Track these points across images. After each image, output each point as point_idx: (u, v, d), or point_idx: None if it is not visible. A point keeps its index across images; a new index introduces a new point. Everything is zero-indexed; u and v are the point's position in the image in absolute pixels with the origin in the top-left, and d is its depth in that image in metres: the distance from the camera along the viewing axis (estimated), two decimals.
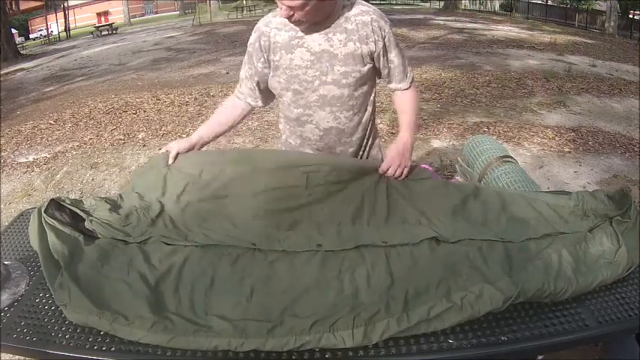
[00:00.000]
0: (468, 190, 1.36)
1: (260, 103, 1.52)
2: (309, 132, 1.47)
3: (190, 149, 1.43)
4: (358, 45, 1.33)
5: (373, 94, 1.48)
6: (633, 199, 1.25)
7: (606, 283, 1.07)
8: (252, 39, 1.40)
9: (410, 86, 1.47)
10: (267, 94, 1.50)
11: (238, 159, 1.41)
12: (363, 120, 1.48)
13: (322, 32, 1.32)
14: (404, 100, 1.48)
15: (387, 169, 1.35)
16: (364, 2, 1.37)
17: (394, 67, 1.41)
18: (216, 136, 1.51)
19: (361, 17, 1.33)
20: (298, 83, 1.38)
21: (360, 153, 1.55)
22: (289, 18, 1.25)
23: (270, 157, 1.45)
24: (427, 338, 0.94)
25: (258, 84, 1.45)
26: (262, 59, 1.39)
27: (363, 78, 1.38)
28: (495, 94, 5.98)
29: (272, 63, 1.39)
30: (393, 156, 1.36)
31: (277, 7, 1.29)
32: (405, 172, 1.36)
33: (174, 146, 1.41)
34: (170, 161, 1.38)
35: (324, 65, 1.35)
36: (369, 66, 1.37)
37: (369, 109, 1.48)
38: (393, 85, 1.46)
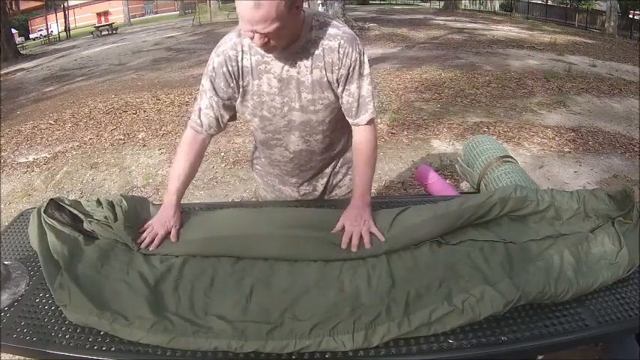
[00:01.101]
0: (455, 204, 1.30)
1: (221, 129, 1.36)
2: (278, 154, 1.42)
3: (177, 220, 1.28)
4: (324, 72, 1.24)
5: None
6: (635, 200, 1.25)
7: (607, 284, 1.07)
8: (215, 63, 1.25)
9: (366, 123, 1.31)
10: (227, 120, 1.35)
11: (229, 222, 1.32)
12: (336, 139, 1.43)
13: (289, 57, 1.22)
14: (357, 150, 1.34)
15: (347, 242, 1.20)
16: (335, 22, 1.25)
17: (352, 100, 1.28)
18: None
19: (328, 42, 1.21)
20: (267, 110, 1.30)
21: (338, 165, 1.53)
22: (264, 45, 1.11)
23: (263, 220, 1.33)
24: (427, 338, 0.94)
25: (220, 113, 1.31)
26: (231, 85, 1.26)
27: (331, 104, 1.30)
28: (495, 94, 5.98)
29: (240, 88, 1.28)
30: (347, 226, 1.23)
31: (235, 27, 1.21)
32: (365, 238, 1.20)
33: (159, 228, 1.25)
34: (152, 248, 1.21)
35: (291, 92, 1.27)
36: (337, 92, 1.28)
37: (341, 126, 1.40)
38: (350, 121, 1.32)
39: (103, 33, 20.13)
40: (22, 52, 16.58)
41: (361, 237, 1.20)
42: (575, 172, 3.69)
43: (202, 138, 1.33)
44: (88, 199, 1.35)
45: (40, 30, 27.01)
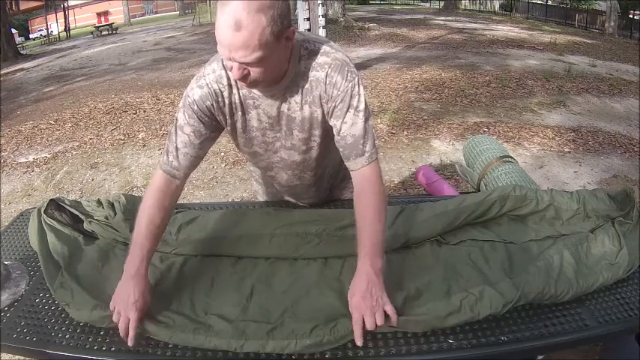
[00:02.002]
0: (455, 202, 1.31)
1: (192, 170, 1.14)
2: (271, 184, 1.40)
3: (146, 298, 0.98)
4: (314, 108, 1.09)
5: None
6: (635, 200, 1.25)
7: (607, 284, 1.07)
8: (195, 95, 1.07)
9: (362, 168, 1.07)
10: (201, 161, 1.16)
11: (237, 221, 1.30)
12: (330, 164, 1.34)
13: (279, 92, 1.07)
14: (358, 205, 1.05)
15: (361, 326, 0.91)
16: (327, 48, 1.07)
17: (339, 139, 1.07)
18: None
19: (315, 73, 1.05)
20: (257, 145, 1.20)
21: (336, 175, 1.46)
22: (243, 79, 0.96)
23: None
24: (427, 338, 0.95)
25: (201, 149, 1.11)
26: (213, 123, 1.11)
27: (324, 143, 1.17)
28: (495, 94, 5.98)
29: (227, 126, 1.15)
30: (358, 304, 0.93)
31: (217, 56, 1.06)
32: (379, 318, 0.91)
33: (129, 311, 0.93)
34: (130, 342, 0.92)
35: (283, 129, 1.15)
36: (329, 129, 1.12)
37: (333, 155, 1.22)
38: (346, 163, 1.10)
39: (103, 33, 20.13)
40: (22, 52, 16.58)
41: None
42: (575, 172, 3.69)
43: (177, 184, 1.10)
44: (88, 200, 1.36)
45: (40, 30, 27.03)
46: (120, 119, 5.60)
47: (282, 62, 1.01)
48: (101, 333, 0.97)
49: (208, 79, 1.08)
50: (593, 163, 3.87)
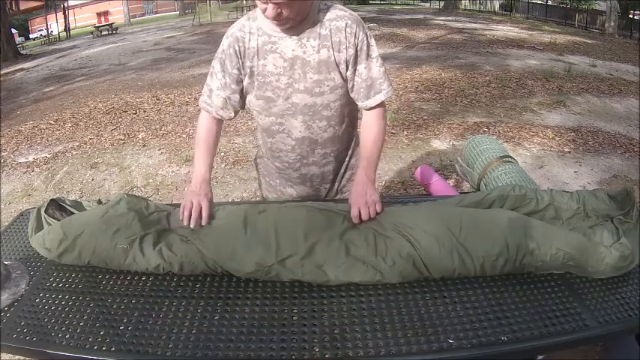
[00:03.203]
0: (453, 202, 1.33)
1: (232, 115, 1.38)
2: (281, 141, 1.40)
3: (209, 193, 1.27)
4: (331, 52, 1.25)
5: (353, 105, 1.39)
6: (635, 200, 1.25)
7: (606, 272, 1.08)
8: (224, 45, 1.29)
9: (375, 106, 1.32)
10: (238, 104, 1.37)
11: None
12: (340, 132, 1.40)
13: (296, 37, 1.24)
14: (365, 129, 1.35)
15: (358, 215, 1.18)
16: (341, 6, 1.29)
17: (361, 81, 1.29)
18: None
19: (336, 22, 1.24)
20: (271, 90, 1.30)
21: (342, 170, 1.51)
22: (277, 17, 1.15)
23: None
24: (427, 338, 0.95)
25: (231, 94, 1.33)
26: (237, 66, 1.29)
27: (337, 87, 1.30)
28: (495, 94, 5.98)
29: (246, 69, 1.30)
30: (356, 200, 1.20)
31: (248, 10, 1.23)
32: (378, 207, 1.20)
33: (204, 201, 1.21)
34: (205, 221, 1.19)
35: (296, 72, 1.27)
36: (344, 75, 1.29)
37: (347, 120, 1.40)
38: (360, 104, 1.33)
39: (103, 33, 20.14)
40: (22, 52, 16.59)
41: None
42: (575, 172, 3.69)
43: (215, 120, 1.38)
44: (88, 200, 1.36)
45: (40, 30, 27.05)
46: (120, 119, 5.61)
47: (307, 5, 1.20)
48: (101, 333, 0.97)
49: (233, 30, 1.29)
50: (593, 163, 3.87)
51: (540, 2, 21.14)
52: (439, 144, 4.28)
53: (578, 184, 3.44)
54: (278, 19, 1.15)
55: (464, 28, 13.36)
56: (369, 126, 1.34)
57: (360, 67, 1.27)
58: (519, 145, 4.21)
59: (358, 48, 1.25)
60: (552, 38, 11.37)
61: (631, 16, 16.42)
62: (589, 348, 1.51)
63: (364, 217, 1.17)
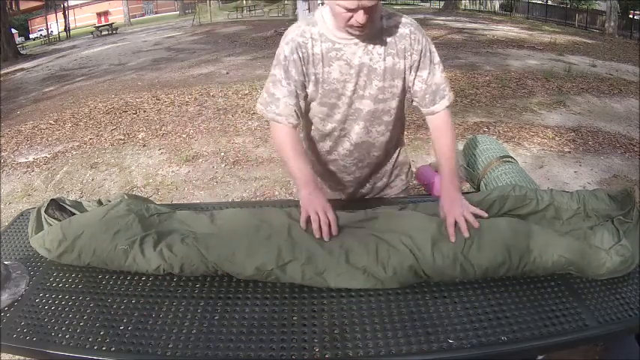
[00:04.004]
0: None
1: (299, 121, 1.33)
2: (340, 145, 1.41)
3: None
4: (397, 59, 1.26)
5: (403, 110, 1.41)
6: (635, 200, 1.25)
7: (607, 275, 1.08)
8: (286, 51, 1.25)
9: (443, 110, 1.32)
10: (302, 110, 1.34)
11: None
12: (395, 136, 1.44)
13: (361, 44, 1.24)
14: (440, 137, 1.32)
15: (454, 224, 1.14)
16: (400, 14, 1.30)
17: (426, 88, 1.30)
18: None
19: (400, 29, 1.25)
20: (336, 97, 1.30)
21: (389, 166, 1.52)
22: (362, 25, 1.13)
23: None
24: (427, 337, 0.95)
25: (299, 100, 1.29)
26: (302, 72, 1.26)
27: (399, 94, 1.32)
28: (495, 94, 5.98)
29: (310, 76, 1.27)
30: (450, 210, 1.17)
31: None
32: (469, 217, 1.15)
33: (327, 206, 1.17)
34: (335, 231, 1.15)
35: (362, 79, 1.27)
36: (406, 81, 1.31)
37: (399, 123, 1.42)
38: (425, 110, 1.34)
39: (103, 33, 20.13)
40: (22, 52, 16.59)
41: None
42: (575, 172, 3.69)
43: (286, 126, 1.30)
44: (88, 200, 1.36)
45: (40, 30, 27.04)
46: (120, 119, 5.61)
47: (380, 11, 1.21)
48: (101, 333, 0.97)
49: (293, 35, 1.26)
50: (593, 163, 3.87)
51: (540, 2, 21.13)
52: None
53: (578, 184, 3.44)
54: (362, 27, 1.14)
55: (464, 28, 13.36)
56: (443, 134, 1.33)
57: (424, 74, 1.28)
58: (519, 145, 4.21)
59: (422, 54, 1.26)
60: (552, 38, 11.37)
61: (631, 16, 16.41)
62: (589, 348, 1.51)
63: (463, 227, 1.12)
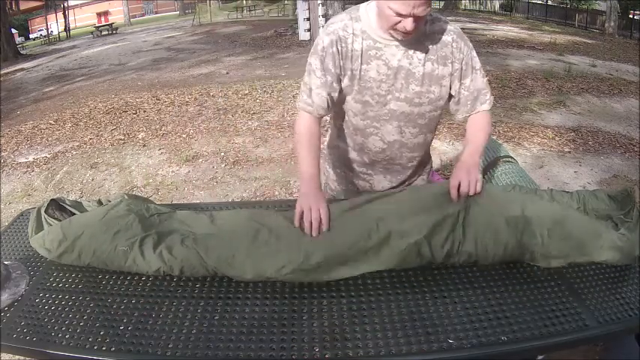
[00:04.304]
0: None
1: (329, 113, 1.34)
2: (372, 143, 1.41)
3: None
4: (436, 66, 1.26)
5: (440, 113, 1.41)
6: (635, 200, 1.25)
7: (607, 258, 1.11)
8: (324, 42, 1.25)
9: (486, 110, 1.35)
10: (335, 102, 1.33)
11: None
12: (428, 139, 1.45)
13: (403, 47, 1.24)
14: (474, 123, 1.34)
15: (457, 186, 1.17)
16: (445, 19, 1.30)
17: (467, 94, 1.31)
18: None
19: (442, 36, 1.25)
20: (370, 96, 1.30)
21: (416, 166, 1.51)
22: (408, 33, 1.14)
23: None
24: (427, 337, 0.95)
25: (331, 92, 1.28)
26: (339, 66, 1.26)
27: (435, 100, 1.32)
28: (495, 94, 5.94)
29: (347, 71, 1.27)
30: (457, 175, 1.19)
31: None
32: (478, 186, 1.17)
33: (322, 204, 1.16)
34: (325, 227, 1.14)
35: (399, 82, 1.27)
36: (444, 88, 1.31)
37: (433, 127, 1.43)
38: (459, 115, 1.36)
39: (103, 33, 20.13)
40: (22, 52, 16.59)
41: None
42: (575, 172, 3.69)
43: (316, 118, 1.31)
44: (88, 200, 1.36)
45: (40, 30, 27.03)
46: (120, 119, 5.60)
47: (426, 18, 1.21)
48: (101, 333, 0.97)
49: (335, 27, 1.25)
50: (593, 163, 3.87)
51: (540, 2, 21.14)
52: (439, 144, 4.28)
53: (578, 184, 3.44)
54: (409, 33, 1.15)
55: (464, 28, 13.23)
56: (477, 121, 1.34)
57: (467, 81, 1.29)
58: (519, 145, 4.21)
59: (464, 62, 1.27)
60: (552, 38, 11.37)
61: (631, 16, 16.42)
62: (589, 348, 1.51)
63: (463, 189, 1.15)
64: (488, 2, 23.19)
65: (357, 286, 1.10)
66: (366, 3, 1.28)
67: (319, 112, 1.30)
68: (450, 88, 1.31)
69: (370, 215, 1.16)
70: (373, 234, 1.10)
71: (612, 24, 14.86)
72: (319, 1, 6.10)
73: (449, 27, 1.27)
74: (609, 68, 7.98)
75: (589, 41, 12.08)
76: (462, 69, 1.28)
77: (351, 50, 1.25)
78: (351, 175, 1.54)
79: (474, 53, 1.30)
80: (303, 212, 1.15)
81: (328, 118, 1.51)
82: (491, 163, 2.07)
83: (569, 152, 4.09)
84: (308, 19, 6.18)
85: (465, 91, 1.30)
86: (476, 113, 1.34)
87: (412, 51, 1.25)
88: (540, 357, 1.05)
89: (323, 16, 6.26)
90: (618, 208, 1.24)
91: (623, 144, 4.29)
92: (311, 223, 1.12)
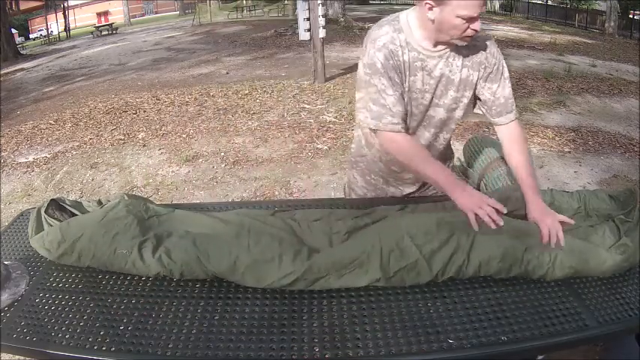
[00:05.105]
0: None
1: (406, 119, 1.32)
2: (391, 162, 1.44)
3: None
4: (471, 71, 1.30)
5: None
6: (637, 200, 1.25)
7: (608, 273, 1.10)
8: (379, 58, 1.23)
9: (509, 123, 1.34)
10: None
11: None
12: (450, 142, 1.50)
13: (443, 55, 1.27)
14: (516, 146, 1.34)
15: (548, 235, 1.13)
16: None
17: (495, 100, 1.33)
18: None
19: (475, 42, 1.27)
20: (415, 106, 1.32)
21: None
22: (470, 36, 1.17)
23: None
24: (427, 337, 0.95)
25: (404, 104, 1.27)
26: (400, 78, 1.26)
27: (467, 104, 1.36)
28: None
29: (401, 83, 1.29)
30: (543, 220, 1.16)
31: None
32: (558, 229, 1.13)
33: (485, 196, 1.15)
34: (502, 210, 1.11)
35: (439, 89, 1.30)
36: (473, 92, 1.34)
37: (455, 128, 1.46)
38: (492, 120, 1.38)
39: (103, 33, 20.11)
40: (22, 52, 16.59)
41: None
42: (575, 172, 3.69)
43: (405, 133, 1.28)
44: (88, 200, 1.36)
45: (40, 30, 27.00)
46: (120, 119, 5.60)
47: None
48: (101, 333, 0.97)
49: (384, 40, 1.24)
50: (593, 163, 3.87)
51: (540, 2, 21.14)
52: None
53: (578, 184, 3.44)
54: (474, 33, 1.16)
55: None
56: (518, 143, 1.35)
57: (494, 86, 1.31)
58: None
59: (495, 68, 1.30)
60: (552, 38, 11.36)
61: (631, 16, 16.41)
62: (589, 348, 1.51)
63: (553, 239, 1.11)
64: (489, 2, 23.18)
65: (357, 287, 1.09)
66: (405, 13, 1.28)
67: (403, 126, 1.27)
68: (478, 92, 1.34)
69: (376, 230, 1.16)
70: (375, 248, 1.10)
71: (612, 24, 14.85)
72: (319, 1, 6.09)
73: (481, 33, 1.27)
74: (609, 68, 7.98)
75: (589, 41, 12.07)
76: (491, 73, 1.30)
77: (402, 62, 1.25)
78: (382, 182, 1.54)
79: (504, 62, 1.32)
80: (475, 214, 1.10)
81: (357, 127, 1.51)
82: (491, 163, 2.07)
83: (569, 152, 4.09)
84: (308, 19, 6.17)
85: (492, 96, 1.32)
86: (506, 125, 1.34)
87: (452, 58, 1.27)
88: (540, 357, 1.05)
89: (323, 16, 6.24)
90: (619, 208, 1.24)
91: (623, 144, 4.29)
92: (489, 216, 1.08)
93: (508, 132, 1.35)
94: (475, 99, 1.37)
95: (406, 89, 1.28)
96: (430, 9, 1.15)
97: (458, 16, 1.11)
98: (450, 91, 1.30)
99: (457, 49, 1.26)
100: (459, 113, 1.37)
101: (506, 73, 1.33)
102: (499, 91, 1.32)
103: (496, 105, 1.33)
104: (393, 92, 1.24)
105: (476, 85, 1.31)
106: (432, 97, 1.31)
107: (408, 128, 1.32)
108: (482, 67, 1.29)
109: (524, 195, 1.25)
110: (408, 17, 1.26)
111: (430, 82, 1.28)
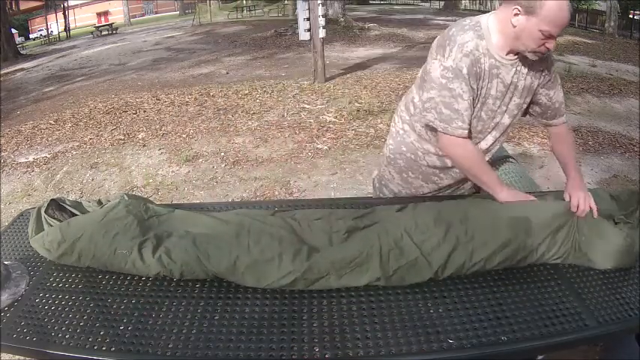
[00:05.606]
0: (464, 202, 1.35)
1: None
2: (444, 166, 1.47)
3: None
4: (533, 79, 1.34)
5: None
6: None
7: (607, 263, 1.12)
8: (462, 63, 1.24)
9: (563, 123, 1.45)
10: None
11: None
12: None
13: (516, 65, 1.30)
14: (567, 141, 1.46)
15: (577, 204, 1.23)
16: None
17: (550, 105, 1.40)
18: None
19: None
20: (485, 112, 1.36)
21: None
22: (542, 53, 1.23)
23: None
24: (427, 337, 0.95)
25: (472, 110, 1.32)
26: (476, 84, 1.29)
27: (524, 110, 1.41)
28: None
29: (478, 90, 1.31)
30: (576, 193, 1.26)
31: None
32: (588, 204, 1.23)
33: (525, 194, 1.32)
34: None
35: (507, 96, 1.34)
36: (533, 98, 1.39)
37: None
38: (544, 121, 1.46)
39: (103, 33, 20.11)
40: (22, 52, 16.59)
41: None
42: None
43: (469, 139, 1.34)
44: (88, 200, 1.36)
45: (40, 30, 27.00)
46: (120, 119, 5.60)
47: None
48: (101, 333, 0.97)
49: (470, 47, 1.25)
50: (593, 163, 3.87)
51: None
52: None
53: None
54: (546, 50, 1.22)
55: None
56: (564, 139, 1.46)
57: (551, 92, 1.39)
58: (519, 145, 4.21)
59: (553, 74, 1.37)
60: None
61: (631, 16, 16.41)
62: (589, 348, 1.51)
63: (581, 208, 1.21)
64: (489, 2, 23.16)
65: (357, 286, 1.10)
66: (486, 17, 1.30)
67: (469, 132, 1.33)
68: (535, 98, 1.39)
69: (376, 229, 1.17)
70: (374, 248, 1.10)
71: (612, 24, 14.84)
72: (319, 1, 6.09)
73: None
74: (609, 68, 7.98)
75: (589, 41, 12.06)
76: (549, 79, 1.36)
77: (483, 70, 1.28)
78: (421, 178, 1.54)
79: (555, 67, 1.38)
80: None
81: (401, 123, 1.52)
82: (491, 163, 2.07)
83: None
84: (308, 19, 6.17)
85: (548, 101, 1.39)
86: (559, 125, 1.44)
87: (520, 66, 1.30)
88: (540, 357, 1.05)
89: (323, 16, 6.24)
90: (620, 208, 1.24)
91: (623, 144, 4.29)
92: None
93: (558, 131, 1.46)
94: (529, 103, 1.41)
95: (481, 95, 1.31)
96: (516, 15, 1.19)
97: (540, 30, 1.16)
98: (515, 97, 1.35)
99: (524, 59, 1.28)
100: (517, 119, 1.42)
101: (559, 80, 1.39)
102: (555, 97, 1.39)
103: (551, 110, 1.41)
104: (468, 98, 1.27)
105: (532, 91, 1.36)
106: (501, 104, 1.34)
107: (471, 132, 1.35)
108: (544, 74, 1.34)
109: (566, 173, 1.38)
110: (489, 21, 1.28)
111: (502, 89, 1.32)
